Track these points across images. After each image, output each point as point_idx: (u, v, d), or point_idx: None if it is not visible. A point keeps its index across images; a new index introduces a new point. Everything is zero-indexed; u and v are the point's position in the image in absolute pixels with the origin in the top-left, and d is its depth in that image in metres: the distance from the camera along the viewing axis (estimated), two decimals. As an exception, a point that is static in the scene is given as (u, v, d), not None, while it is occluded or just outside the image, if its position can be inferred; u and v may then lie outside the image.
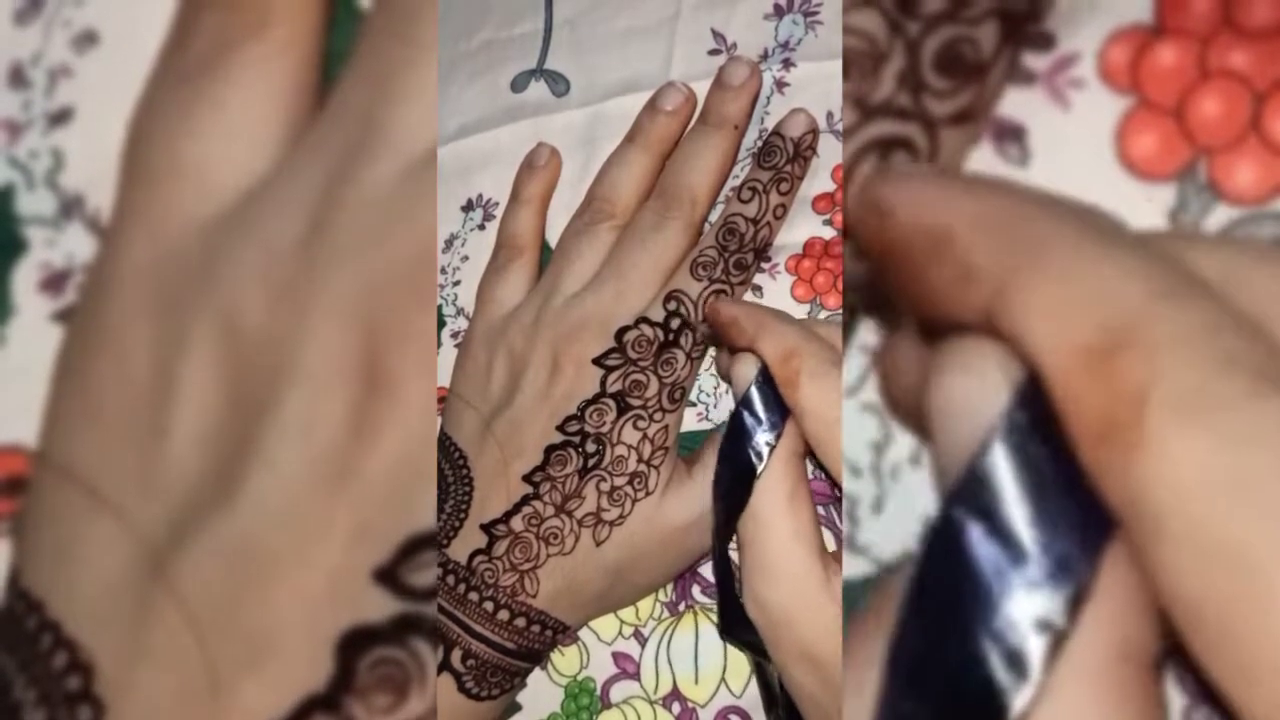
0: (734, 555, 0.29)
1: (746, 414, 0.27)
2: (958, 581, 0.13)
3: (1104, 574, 0.13)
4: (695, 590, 0.35)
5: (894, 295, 0.16)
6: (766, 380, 0.27)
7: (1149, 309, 0.12)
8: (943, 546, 0.13)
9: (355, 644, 0.16)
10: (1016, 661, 0.12)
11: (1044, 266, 0.13)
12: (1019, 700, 0.12)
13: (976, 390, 0.14)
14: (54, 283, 0.29)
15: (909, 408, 0.16)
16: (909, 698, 0.13)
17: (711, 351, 0.34)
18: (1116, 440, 0.12)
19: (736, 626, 0.28)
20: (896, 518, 0.24)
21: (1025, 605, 0.13)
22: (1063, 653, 0.12)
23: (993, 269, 0.14)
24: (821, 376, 0.26)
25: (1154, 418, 0.12)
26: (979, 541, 0.13)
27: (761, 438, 0.27)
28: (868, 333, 0.25)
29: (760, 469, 0.26)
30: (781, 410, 0.27)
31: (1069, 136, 0.24)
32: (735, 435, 0.27)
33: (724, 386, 0.35)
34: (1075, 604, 0.12)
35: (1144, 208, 0.23)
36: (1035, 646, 0.12)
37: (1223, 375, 0.12)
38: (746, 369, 0.28)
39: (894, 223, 0.15)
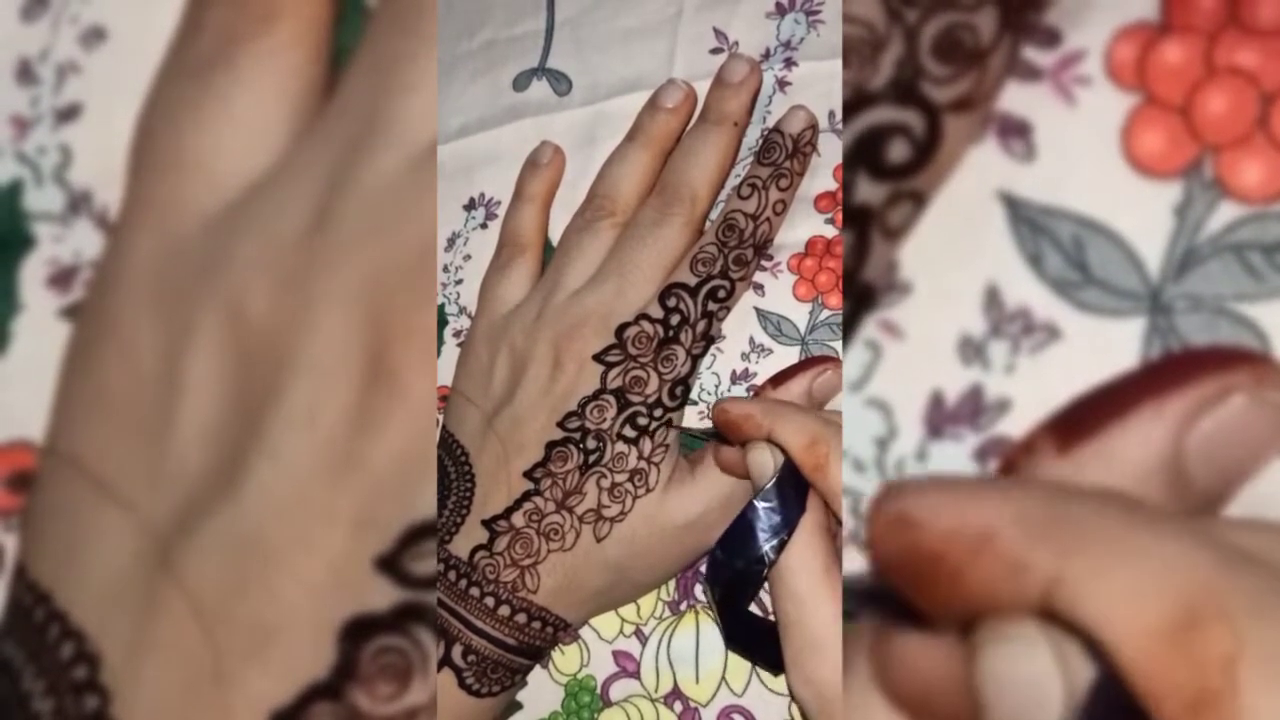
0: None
1: (763, 506, 0.26)
2: None
3: None
4: (698, 589, 0.35)
5: (922, 601, 0.15)
6: (787, 472, 0.27)
7: (1217, 579, 0.13)
8: None
9: (358, 633, 0.16)
10: None
11: (1100, 553, 0.13)
12: None
13: (1025, 656, 0.14)
14: (62, 279, 0.29)
15: (924, 702, 0.16)
16: None
17: (714, 350, 0.35)
18: (1210, 711, 0.12)
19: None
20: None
21: None
22: None
23: (1045, 561, 0.14)
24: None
25: (1247, 682, 0.12)
26: None
27: (776, 532, 0.26)
28: (870, 328, 0.25)
29: (770, 562, 0.26)
30: (799, 505, 0.26)
31: (1075, 133, 0.24)
32: (745, 527, 0.27)
33: (726, 384, 0.35)
34: None
35: (1150, 204, 0.23)
36: None
37: None
38: (765, 457, 0.27)
39: (925, 533, 0.15)
